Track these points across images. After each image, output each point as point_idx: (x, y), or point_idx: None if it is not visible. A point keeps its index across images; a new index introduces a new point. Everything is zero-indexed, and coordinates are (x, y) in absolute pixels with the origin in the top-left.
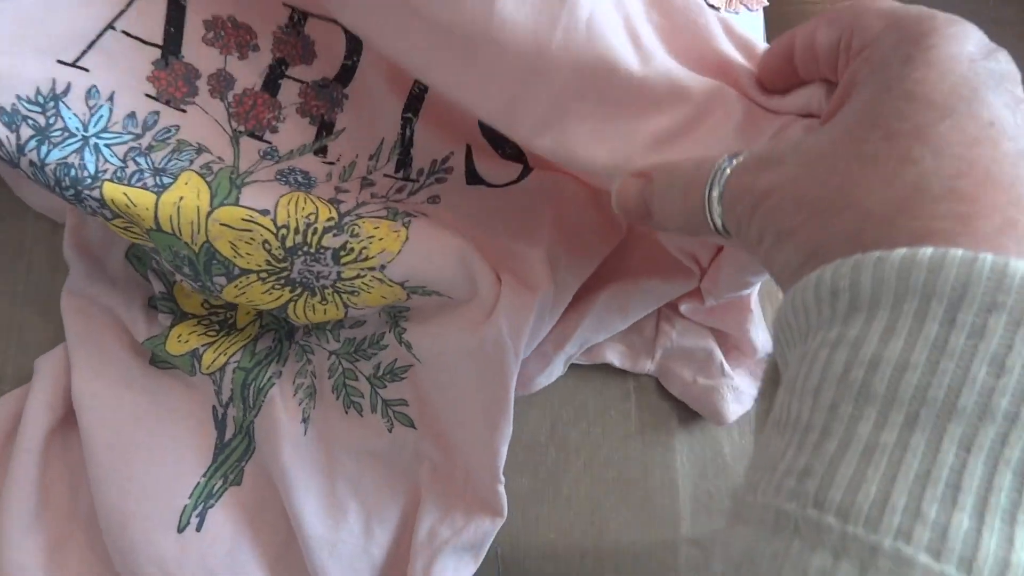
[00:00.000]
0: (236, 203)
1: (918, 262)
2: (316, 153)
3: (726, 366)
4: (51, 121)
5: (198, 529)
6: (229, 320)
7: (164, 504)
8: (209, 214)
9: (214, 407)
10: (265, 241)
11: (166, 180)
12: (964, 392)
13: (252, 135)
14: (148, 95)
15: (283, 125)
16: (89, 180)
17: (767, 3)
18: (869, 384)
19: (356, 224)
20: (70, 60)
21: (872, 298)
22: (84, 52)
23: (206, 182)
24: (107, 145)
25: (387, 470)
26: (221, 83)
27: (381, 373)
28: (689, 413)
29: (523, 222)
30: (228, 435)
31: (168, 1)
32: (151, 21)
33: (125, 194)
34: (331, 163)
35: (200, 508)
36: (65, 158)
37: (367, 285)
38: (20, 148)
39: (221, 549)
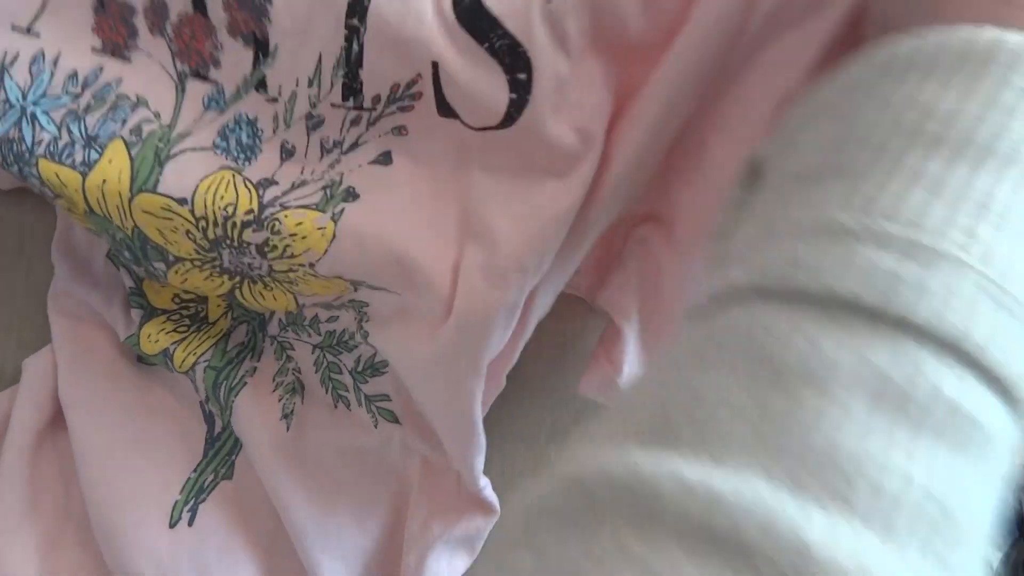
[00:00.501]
0: (154, 190)
1: (980, 34)
2: (258, 89)
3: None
4: None
5: (190, 524)
6: (200, 313)
7: (155, 500)
8: (131, 199)
9: (201, 402)
10: (188, 231)
11: (93, 156)
12: (1003, 137)
13: (197, 75)
14: (94, 48)
15: (222, 55)
16: (27, 155)
17: None
18: (922, 125)
19: (277, 220)
20: (24, 25)
21: (931, 60)
22: (38, 14)
23: (130, 157)
24: (44, 112)
25: (376, 465)
26: (157, 15)
27: (361, 368)
28: None
29: (499, 173)
30: (217, 429)
31: None
32: None
33: (56, 174)
34: (274, 99)
35: (191, 503)
36: (7, 133)
37: (302, 278)
38: None
39: (213, 543)
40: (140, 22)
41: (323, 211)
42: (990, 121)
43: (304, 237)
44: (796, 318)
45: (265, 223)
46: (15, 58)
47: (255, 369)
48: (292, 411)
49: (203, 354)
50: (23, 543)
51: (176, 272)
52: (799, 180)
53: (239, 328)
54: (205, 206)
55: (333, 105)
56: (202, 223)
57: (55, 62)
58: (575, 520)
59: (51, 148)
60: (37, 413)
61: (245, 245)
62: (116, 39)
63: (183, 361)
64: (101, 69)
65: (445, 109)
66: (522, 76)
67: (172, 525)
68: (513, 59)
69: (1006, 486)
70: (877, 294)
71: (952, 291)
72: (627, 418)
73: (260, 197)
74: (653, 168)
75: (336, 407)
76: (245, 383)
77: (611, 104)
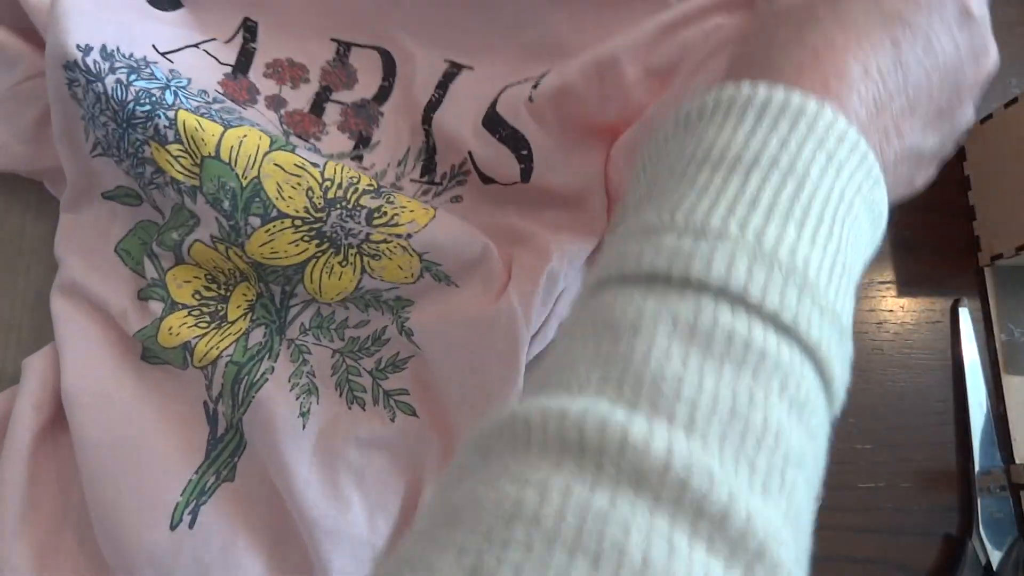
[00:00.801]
0: (292, 152)
1: (743, 90)
2: (352, 160)
3: None
4: (141, 67)
5: (191, 526)
6: (220, 312)
7: (156, 502)
8: (267, 153)
9: (205, 402)
10: (309, 188)
11: (232, 122)
12: (763, 154)
13: (300, 137)
14: (217, 91)
15: (326, 137)
16: (168, 105)
17: None
18: (707, 154)
19: (392, 193)
20: (162, 50)
21: (721, 109)
22: (172, 52)
23: (267, 133)
24: (185, 96)
25: (390, 461)
26: (275, 103)
27: (383, 366)
28: None
29: (531, 208)
30: (220, 430)
31: (241, 46)
32: (227, 53)
33: (197, 120)
34: (365, 169)
35: (192, 505)
36: (149, 88)
37: (391, 251)
38: (112, 68)
39: (215, 545)
40: (260, 99)
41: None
42: (753, 145)
43: (412, 210)
44: (629, 292)
45: (382, 193)
46: (156, 62)
47: (272, 369)
48: (308, 411)
49: (225, 348)
50: (22, 545)
51: (267, 231)
52: (636, 204)
53: (257, 330)
54: (335, 172)
55: (412, 180)
56: (327, 184)
57: (189, 80)
58: (472, 464)
59: (190, 108)
60: (36, 413)
61: (358, 209)
62: (237, 97)
63: (204, 354)
64: (225, 101)
65: (485, 178)
66: (524, 152)
67: (173, 527)
68: (516, 143)
69: (818, 418)
70: (681, 268)
71: (734, 260)
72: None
73: (377, 181)
74: None
75: (351, 408)
76: (266, 379)
77: (601, 156)
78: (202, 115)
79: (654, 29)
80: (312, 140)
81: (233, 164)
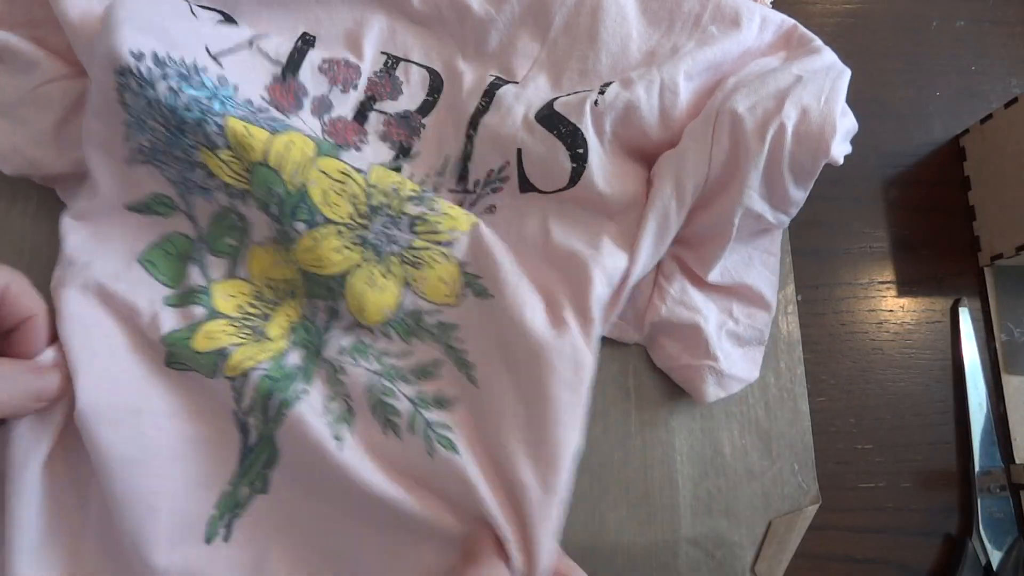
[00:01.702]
0: (337, 158)
1: None
2: (391, 169)
3: (713, 347)
4: (191, 74)
5: (225, 539)
6: (260, 328)
7: (190, 516)
8: (313, 159)
9: (234, 412)
10: (354, 195)
11: (278, 128)
12: None
13: (339, 147)
14: (263, 98)
15: (366, 146)
16: (217, 112)
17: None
18: None
19: (435, 200)
20: (213, 52)
21: None
22: (224, 52)
23: (312, 139)
24: (232, 105)
25: (431, 493)
26: (321, 106)
27: (428, 400)
28: (688, 414)
29: (570, 221)
30: (252, 440)
31: (300, 37)
32: (282, 47)
33: (245, 127)
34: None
35: (227, 518)
36: (198, 97)
37: (432, 258)
38: (164, 75)
39: (249, 560)
40: (307, 102)
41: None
42: None
43: (454, 217)
44: None
45: (425, 200)
46: (205, 68)
47: (307, 391)
48: (342, 434)
49: (261, 362)
50: (45, 564)
51: (312, 236)
52: None
53: (295, 352)
54: (379, 178)
55: (449, 190)
56: (371, 190)
57: (236, 88)
58: None
59: (239, 114)
60: (47, 425)
61: (401, 216)
62: (283, 102)
63: (239, 364)
64: (269, 110)
65: (525, 185)
66: (580, 150)
67: (208, 540)
68: (574, 139)
69: None
70: None
71: None
72: None
73: (420, 187)
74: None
75: (385, 434)
76: (300, 398)
77: (644, 176)
78: (249, 123)
79: (707, 61)
80: (352, 150)
81: (280, 170)
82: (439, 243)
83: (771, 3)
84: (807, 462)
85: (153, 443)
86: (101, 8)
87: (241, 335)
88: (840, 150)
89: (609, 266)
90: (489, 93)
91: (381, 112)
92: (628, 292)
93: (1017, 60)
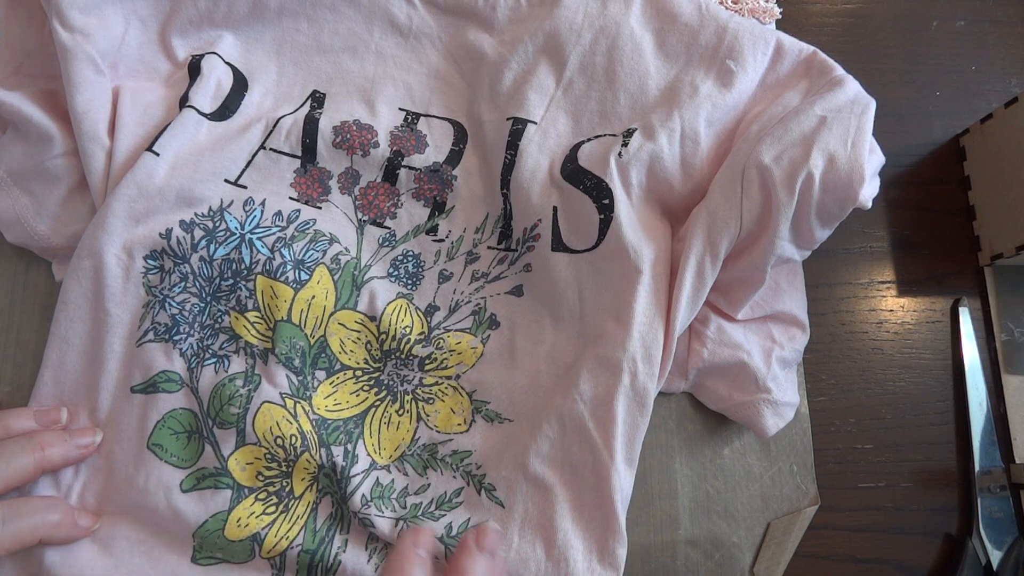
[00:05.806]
0: (354, 308)
1: None
2: (428, 232)
3: (763, 380)
4: (217, 224)
5: None
6: (286, 488)
7: None
8: (332, 314)
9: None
10: (368, 342)
11: (303, 276)
12: None
13: (374, 223)
14: (291, 198)
15: (401, 211)
16: (246, 271)
17: (779, 16)
18: None
19: (441, 339)
20: (233, 179)
21: None
22: (243, 171)
23: (334, 281)
24: (259, 238)
25: None
26: (349, 180)
27: (454, 533)
28: (688, 416)
29: (599, 283)
30: None
31: (305, 118)
32: (292, 137)
33: (272, 286)
34: (440, 240)
35: None
36: (228, 254)
37: (442, 392)
38: (194, 246)
39: None
40: (334, 184)
41: (474, 335)
42: None
43: (460, 353)
44: None
45: (432, 340)
46: (231, 202)
47: (346, 543)
48: None
49: (295, 539)
50: None
51: (331, 383)
52: None
53: (325, 499)
54: (389, 324)
55: (489, 247)
56: (383, 337)
57: (262, 204)
58: None
59: (267, 267)
60: None
61: (411, 358)
62: (311, 194)
63: (274, 546)
64: (299, 212)
65: (557, 244)
66: (606, 201)
67: None
68: (599, 192)
69: None
70: None
71: None
72: None
73: (428, 322)
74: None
75: None
76: (340, 560)
77: (669, 230)
78: (278, 270)
79: (727, 105)
80: (388, 221)
81: (303, 325)
82: (447, 377)
83: (775, 3)
84: (806, 463)
85: None
86: (107, 98)
87: (269, 510)
88: (869, 192)
89: (639, 335)
90: (512, 144)
91: (410, 168)
92: (671, 360)
93: (1017, 60)
